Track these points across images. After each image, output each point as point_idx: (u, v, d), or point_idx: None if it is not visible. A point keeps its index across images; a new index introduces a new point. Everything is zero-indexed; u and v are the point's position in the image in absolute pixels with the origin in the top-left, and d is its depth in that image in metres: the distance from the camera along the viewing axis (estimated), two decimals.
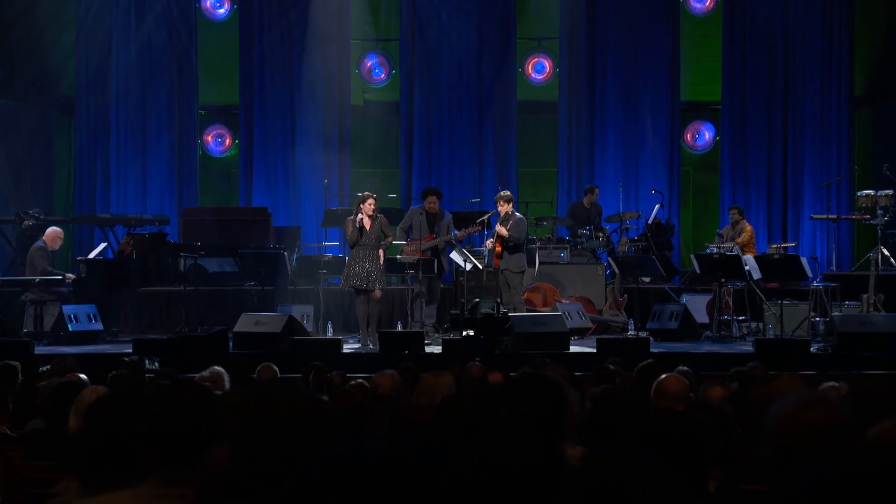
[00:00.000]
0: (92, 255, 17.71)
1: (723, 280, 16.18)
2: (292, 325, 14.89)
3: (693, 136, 22.39)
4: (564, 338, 14.63)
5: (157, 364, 12.84)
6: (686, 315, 16.20)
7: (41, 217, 18.56)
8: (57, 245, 17.23)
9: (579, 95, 21.58)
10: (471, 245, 18.06)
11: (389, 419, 3.99)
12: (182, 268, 17.14)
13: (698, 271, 16.48)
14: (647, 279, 18.16)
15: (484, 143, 21.45)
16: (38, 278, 16.40)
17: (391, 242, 15.58)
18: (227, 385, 8.65)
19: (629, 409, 4.40)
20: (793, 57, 21.11)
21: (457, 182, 21.32)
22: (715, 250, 17.14)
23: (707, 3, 21.84)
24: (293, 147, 21.38)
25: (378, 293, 15.27)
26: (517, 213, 16.08)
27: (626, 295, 17.57)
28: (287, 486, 1.61)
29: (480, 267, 16.36)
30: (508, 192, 16.37)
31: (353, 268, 15.20)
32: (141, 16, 21.37)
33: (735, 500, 4.41)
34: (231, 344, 14.56)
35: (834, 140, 20.94)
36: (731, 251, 17.08)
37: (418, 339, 14.38)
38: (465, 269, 16.24)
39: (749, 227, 18.54)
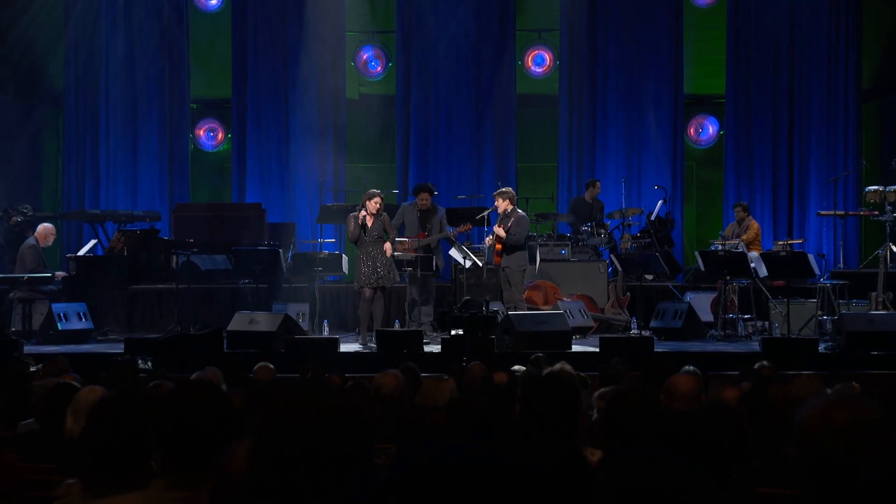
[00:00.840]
0: (82, 252, 17.71)
1: (728, 278, 16.18)
2: (288, 323, 14.89)
3: (696, 130, 22.40)
4: (566, 337, 14.64)
5: (149, 364, 12.84)
6: (690, 313, 16.20)
7: (30, 213, 18.54)
8: (49, 242, 17.24)
9: (580, 89, 21.58)
10: (470, 242, 18.09)
11: (398, 420, 3.99)
12: (174, 265, 17.15)
13: (703, 269, 16.48)
14: (650, 277, 18.17)
15: (482, 138, 21.45)
16: (26, 276, 16.38)
17: (395, 238, 15.59)
18: (223, 386, 8.64)
19: (643, 411, 4.41)
20: (799, 49, 21.11)
21: (455, 177, 21.32)
22: (720, 247, 17.12)
23: None
24: (287, 141, 21.37)
25: (379, 291, 15.28)
26: (519, 211, 16.05)
27: (628, 293, 17.59)
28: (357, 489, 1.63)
29: (480, 264, 16.36)
30: (509, 189, 16.34)
31: (361, 269, 15.24)
32: (130, 7, 21.35)
33: (750, 502, 4.42)
34: (225, 343, 14.55)
35: (841, 134, 20.95)
36: (736, 248, 17.08)
37: (417, 339, 14.39)
38: (464, 266, 16.22)
39: (755, 224, 18.54)
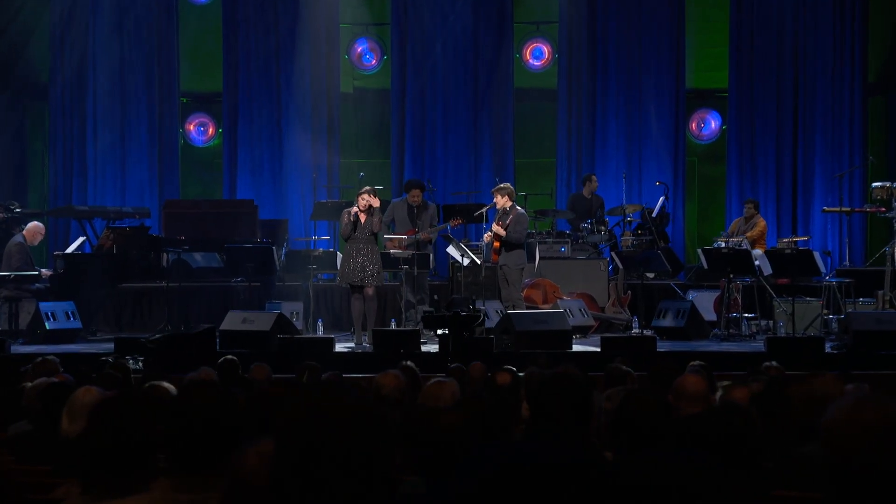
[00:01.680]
0: (70, 250, 17.70)
1: (731, 275, 16.19)
2: (282, 323, 14.89)
3: (698, 124, 22.41)
4: (567, 336, 14.66)
5: (140, 364, 12.85)
6: (693, 312, 16.22)
7: (16, 209, 18.52)
8: (37, 240, 17.23)
9: (579, 82, 21.59)
10: (467, 239, 18.10)
11: (406, 421, 3.99)
12: (165, 263, 17.13)
13: (706, 266, 16.49)
14: (651, 275, 18.19)
15: (480, 133, 21.45)
16: (12, 274, 16.36)
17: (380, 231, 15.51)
18: None
19: (655, 412, 4.42)
20: (803, 42, 21.11)
21: (451, 173, 21.33)
22: (723, 245, 17.13)
23: None
24: (280, 137, 21.36)
25: (370, 290, 15.24)
26: (518, 208, 16.05)
27: (629, 291, 17.60)
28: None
29: (478, 262, 16.36)
30: (508, 185, 16.34)
31: (347, 264, 15.19)
32: None
33: None
34: (217, 343, 14.53)
35: (846, 129, 20.96)
36: (739, 245, 17.09)
37: (414, 338, 14.39)
38: (462, 264, 16.23)
39: (762, 222, 18.58)
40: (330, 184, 21.04)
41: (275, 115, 21.44)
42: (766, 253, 16.48)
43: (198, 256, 17.68)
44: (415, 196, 16.97)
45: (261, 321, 14.74)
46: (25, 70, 21.93)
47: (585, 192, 19.73)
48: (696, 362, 9.70)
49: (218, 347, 14.33)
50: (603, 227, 18.96)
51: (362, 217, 15.16)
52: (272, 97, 21.47)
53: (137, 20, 21.30)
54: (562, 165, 21.60)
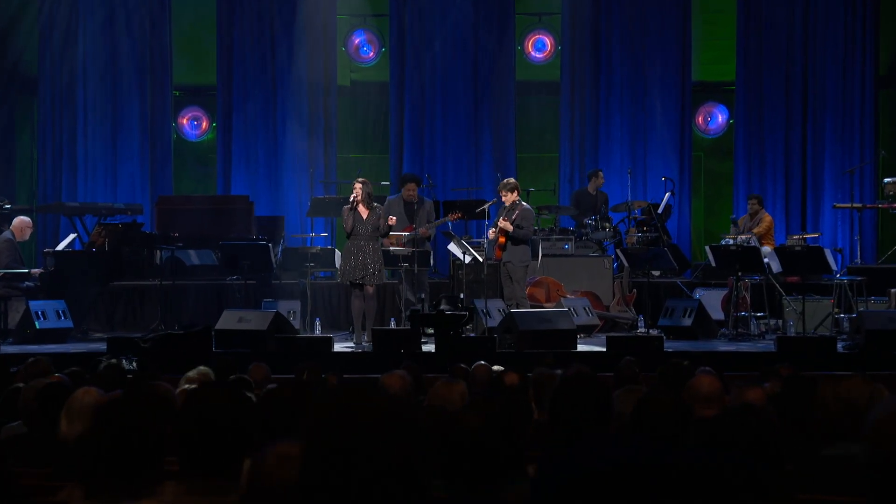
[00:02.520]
0: (60, 247, 17.66)
1: (740, 273, 16.18)
2: (279, 322, 14.88)
3: (705, 118, 22.41)
4: (571, 336, 14.67)
5: (134, 364, 12.83)
6: (701, 311, 16.22)
7: (6, 205, 18.50)
8: (26, 236, 17.20)
9: (583, 75, 21.58)
10: (468, 235, 18.08)
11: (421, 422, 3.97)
12: (158, 261, 17.12)
13: (713, 264, 16.49)
14: (656, 273, 18.19)
15: (480, 127, 21.44)
16: (1, 272, 16.33)
17: (389, 227, 15.47)
18: None
19: (674, 414, 4.41)
20: (813, 34, 21.10)
21: (451, 168, 21.32)
22: (731, 241, 17.11)
23: None
24: (275, 131, 21.34)
25: (370, 288, 15.22)
26: (524, 203, 16.05)
27: (634, 290, 17.60)
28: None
29: (480, 259, 16.33)
30: (512, 180, 16.32)
31: (347, 261, 15.17)
32: None
33: None
34: (213, 342, 14.52)
35: (857, 123, 20.96)
36: (748, 242, 17.07)
37: (414, 338, 14.39)
38: (463, 262, 16.20)
39: (768, 217, 18.58)
40: (327, 179, 21.02)
41: (270, 108, 21.41)
42: (776, 250, 16.47)
43: (192, 254, 17.69)
44: (410, 190, 16.98)
45: (257, 320, 14.73)
46: (13, 62, 21.87)
47: (590, 188, 19.72)
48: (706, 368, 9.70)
49: (213, 347, 14.33)
50: (607, 224, 18.95)
51: (363, 211, 15.10)
52: (267, 90, 21.45)
53: (129, 10, 21.25)
54: (564, 160, 21.59)
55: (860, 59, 21.03)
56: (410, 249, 16.45)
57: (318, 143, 21.26)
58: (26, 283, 16.58)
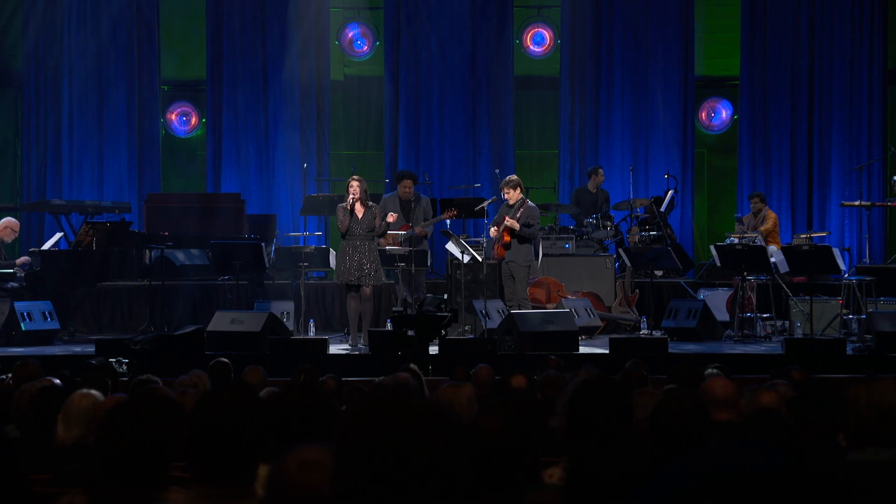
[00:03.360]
0: (46, 246, 17.63)
1: (745, 273, 16.19)
2: (273, 323, 14.86)
3: (708, 114, 22.41)
4: (573, 337, 14.67)
5: (124, 367, 12.82)
6: (705, 312, 16.22)
7: None
8: (9, 237, 17.18)
9: (583, 70, 21.58)
10: (466, 235, 18.07)
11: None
12: (147, 260, 17.09)
13: (718, 264, 16.52)
14: (659, 273, 18.19)
15: (478, 123, 21.42)
16: None
17: (385, 227, 15.45)
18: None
19: (696, 418, 4.41)
20: (819, 27, 21.10)
21: (448, 165, 21.30)
22: (737, 240, 17.12)
23: None
24: (266, 127, 21.31)
25: (367, 289, 15.21)
26: (529, 202, 16.06)
27: (637, 290, 17.60)
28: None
29: (480, 259, 16.32)
30: (516, 177, 16.29)
31: (343, 262, 15.15)
32: None
33: None
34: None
35: (865, 119, 20.96)
36: (753, 241, 17.08)
37: (412, 340, 14.37)
38: (461, 261, 16.18)
39: (773, 215, 18.60)
40: (320, 177, 21.00)
41: (261, 104, 21.38)
42: (783, 249, 16.48)
43: (182, 253, 17.66)
44: (406, 187, 16.98)
45: (250, 322, 14.71)
46: None
47: (591, 185, 19.72)
48: (714, 365, 9.72)
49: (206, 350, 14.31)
50: (609, 223, 18.95)
51: (358, 210, 15.08)
52: (258, 85, 21.41)
53: (116, 2, 21.20)
54: (564, 157, 21.58)
55: (868, 52, 21.03)
56: (407, 249, 16.44)
57: (310, 139, 21.24)
58: (11, 283, 16.55)
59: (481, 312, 15.63)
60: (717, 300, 17.18)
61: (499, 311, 15.84)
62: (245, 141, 21.37)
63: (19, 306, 15.87)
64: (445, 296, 16.41)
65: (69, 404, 5.86)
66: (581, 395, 4.06)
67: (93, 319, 17.92)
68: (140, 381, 7.73)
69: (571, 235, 18.52)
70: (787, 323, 16.59)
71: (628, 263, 17.28)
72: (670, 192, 19.74)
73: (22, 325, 15.68)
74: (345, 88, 22.46)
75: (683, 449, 4.31)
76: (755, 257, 16.04)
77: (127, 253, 17.20)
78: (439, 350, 14.25)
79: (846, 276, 16.66)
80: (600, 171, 19.85)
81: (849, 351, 14.15)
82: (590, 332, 16.41)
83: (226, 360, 10.71)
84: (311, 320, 16.61)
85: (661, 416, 4.37)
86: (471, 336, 15.68)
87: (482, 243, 16.83)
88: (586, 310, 16.72)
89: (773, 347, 15.08)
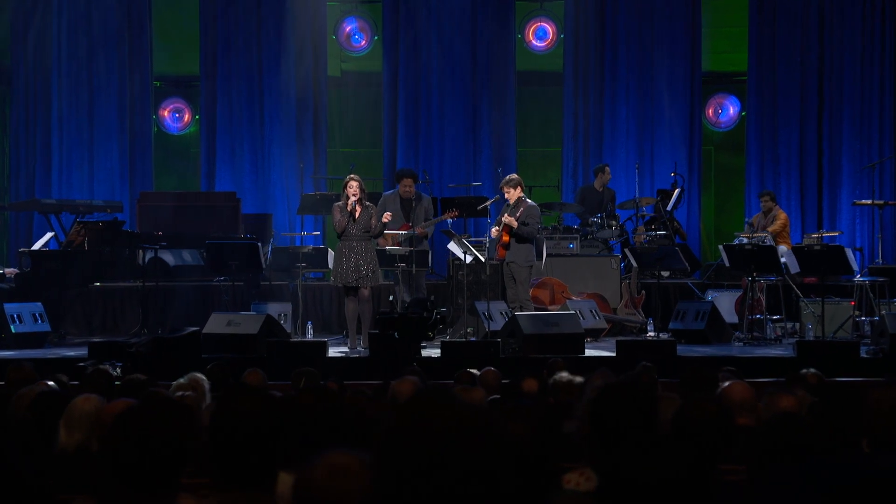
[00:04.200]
0: (36, 247, 17.63)
1: (755, 274, 16.18)
2: (270, 325, 14.86)
3: (716, 111, 22.42)
4: (579, 340, 14.66)
5: (118, 370, 12.80)
6: (714, 314, 16.21)
7: None
8: None
9: (587, 65, 21.58)
10: (468, 235, 18.06)
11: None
12: (140, 261, 17.08)
13: (727, 264, 16.49)
14: (666, 273, 18.18)
15: (479, 120, 21.43)
16: None
17: (382, 227, 15.43)
18: (208, 394, 8.60)
19: (720, 423, 4.42)
20: (829, 21, 21.09)
21: (448, 163, 21.30)
22: (746, 240, 17.11)
23: None
24: (262, 124, 21.31)
25: (365, 291, 15.20)
26: (528, 200, 16.05)
27: (643, 291, 17.60)
28: None
29: (483, 259, 16.30)
30: (516, 176, 16.28)
31: (340, 263, 15.13)
32: None
33: None
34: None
35: (877, 115, 20.95)
36: (763, 241, 17.08)
37: (412, 343, 14.38)
38: (464, 262, 16.17)
39: (783, 215, 18.61)
40: (317, 175, 20.99)
41: (256, 100, 21.38)
42: (794, 249, 16.48)
43: (176, 254, 17.66)
44: (407, 186, 16.96)
45: (247, 324, 14.71)
46: None
47: (597, 184, 19.71)
48: (727, 368, 9.72)
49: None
50: (614, 222, 18.94)
51: (358, 208, 15.06)
52: (253, 81, 21.41)
53: None
54: (568, 155, 21.58)
55: (880, 46, 21.01)
56: (407, 249, 16.44)
57: (307, 136, 21.24)
58: (1, 284, 16.54)
59: (484, 314, 15.63)
60: (725, 302, 17.18)
61: (502, 313, 15.84)
62: (240, 138, 21.35)
63: (9, 308, 15.85)
64: (433, 297, 16.38)
65: (71, 409, 5.86)
66: (605, 399, 4.07)
67: (84, 322, 17.89)
68: (140, 381, 7.73)
69: (576, 235, 18.51)
70: (797, 325, 16.59)
71: (634, 264, 17.28)
72: (678, 189, 19.72)
73: (12, 327, 15.66)
74: (342, 84, 22.45)
75: (707, 455, 4.32)
76: (765, 258, 16.03)
77: (119, 253, 17.20)
78: (441, 353, 14.26)
79: (858, 276, 16.65)
80: (607, 169, 19.84)
81: (862, 354, 14.16)
82: (595, 335, 16.40)
83: (224, 363, 10.71)
84: (309, 322, 16.58)
85: (684, 421, 4.38)
86: (473, 339, 15.67)
87: (485, 243, 16.80)
88: (591, 311, 16.72)
89: (784, 350, 15.07)
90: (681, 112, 21.38)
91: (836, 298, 16.55)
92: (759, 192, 19.48)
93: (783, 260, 16.09)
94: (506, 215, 15.72)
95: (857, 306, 16.27)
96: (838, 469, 1.89)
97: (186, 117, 22.46)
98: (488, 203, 17.02)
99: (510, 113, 21.47)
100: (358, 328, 15.26)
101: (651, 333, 16.23)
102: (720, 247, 16.82)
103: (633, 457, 2.66)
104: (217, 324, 14.84)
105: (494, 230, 15.92)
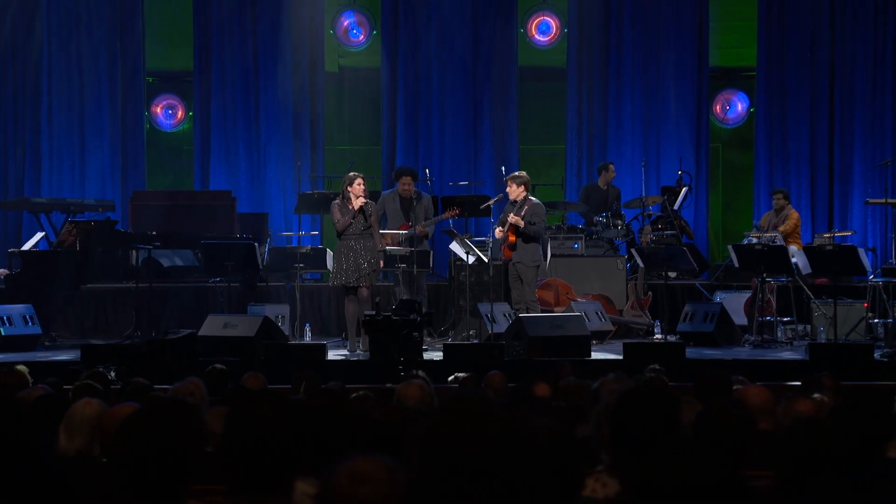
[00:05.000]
0: (26, 247, 17.62)
1: (765, 275, 16.18)
2: (268, 327, 14.86)
3: (723, 107, 22.42)
4: (585, 342, 14.65)
5: (112, 374, 12.78)
6: (723, 316, 16.21)
7: None
8: None
9: (591, 60, 21.58)
10: (470, 234, 18.04)
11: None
12: (133, 261, 17.06)
13: (737, 265, 16.48)
14: (673, 274, 18.17)
15: (480, 116, 21.42)
16: None
17: (376, 220, 15.45)
18: (206, 398, 8.59)
19: (741, 428, 4.42)
20: (840, 15, 21.09)
21: (449, 161, 21.29)
22: (755, 240, 17.10)
23: None
24: (257, 121, 21.29)
25: (364, 291, 15.20)
26: (532, 198, 16.02)
27: (650, 292, 17.58)
28: None
29: (486, 259, 16.27)
30: (523, 173, 16.25)
31: (339, 263, 15.14)
32: None
33: None
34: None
35: (889, 112, 20.94)
36: (773, 241, 17.07)
37: (415, 345, 14.36)
38: (466, 262, 16.16)
39: (795, 214, 18.62)
40: (314, 173, 20.98)
41: (252, 96, 21.36)
42: (805, 249, 16.47)
43: (170, 254, 17.64)
44: (406, 184, 16.95)
45: (244, 326, 14.72)
46: None
47: (601, 182, 19.70)
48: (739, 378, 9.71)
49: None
50: (619, 221, 18.92)
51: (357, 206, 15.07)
52: (248, 76, 21.39)
53: None
54: (571, 152, 21.58)
55: (892, 41, 21.01)
56: (408, 249, 16.42)
57: (304, 133, 21.24)
58: None
59: (487, 316, 15.62)
60: (734, 303, 17.16)
61: (505, 315, 15.84)
62: (234, 135, 21.33)
63: None
64: (421, 298, 16.36)
65: (72, 413, 5.86)
66: (627, 404, 4.06)
67: (76, 324, 17.89)
68: (142, 386, 7.72)
69: (580, 235, 18.48)
70: (808, 327, 16.58)
71: (641, 264, 17.26)
72: (685, 188, 19.69)
73: (1, 329, 15.66)
74: (340, 80, 22.44)
75: (729, 459, 4.31)
76: (775, 258, 16.01)
77: (112, 253, 17.16)
78: (443, 356, 14.26)
79: (871, 277, 16.65)
80: (611, 166, 19.84)
81: (876, 357, 14.16)
82: (601, 337, 16.39)
83: (222, 366, 10.69)
84: (307, 324, 16.60)
85: (705, 425, 4.38)
86: (476, 341, 15.65)
87: (488, 243, 16.76)
88: (597, 313, 16.71)
89: (796, 353, 15.07)
90: (687, 108, 21.39)
91: (849, 300, 16.56)
92: (772, 190, 19.48)
93: (794, 260, 16.08)
94: (511, 215, 15.68)
95: (870, 308, 16.27)
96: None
97: (180, 114, 22.44)
98: (491, 202, 17.00)
99: (512, 109, 21.47)
100: (357, 330, 15.25)
101: (658, 336, 16.24)
102: (729, 247, 16.82)
103: (665, 463, 2.66)
104: (213, 326, 14.84)
105: (499, 230, 15.87)
